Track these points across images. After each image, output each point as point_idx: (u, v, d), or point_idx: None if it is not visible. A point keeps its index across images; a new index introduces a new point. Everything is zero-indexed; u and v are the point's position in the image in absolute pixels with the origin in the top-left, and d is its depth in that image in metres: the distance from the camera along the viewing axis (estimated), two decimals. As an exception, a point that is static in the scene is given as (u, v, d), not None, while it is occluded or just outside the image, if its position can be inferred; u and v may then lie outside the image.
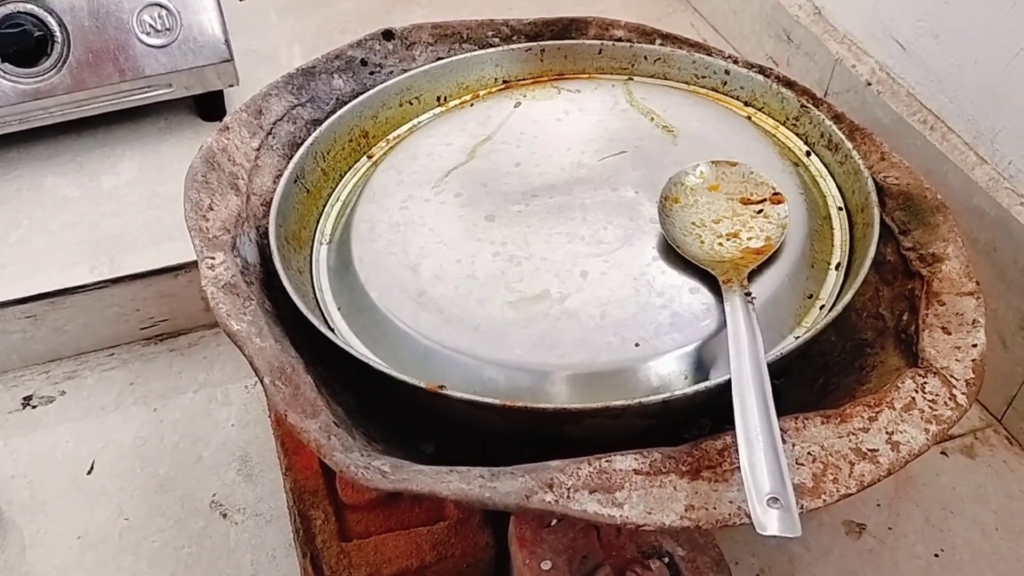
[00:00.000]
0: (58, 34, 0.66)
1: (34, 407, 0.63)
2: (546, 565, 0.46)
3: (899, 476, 0.60)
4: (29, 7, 0.65)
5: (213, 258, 0.44)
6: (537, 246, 0.47)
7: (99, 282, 0.63)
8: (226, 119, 0.53)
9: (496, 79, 0.60)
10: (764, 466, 0.35)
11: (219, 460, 0.60)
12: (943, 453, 0.62)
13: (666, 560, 0.46)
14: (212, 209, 0.47)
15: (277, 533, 0.56)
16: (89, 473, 0.59)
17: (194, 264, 0.65)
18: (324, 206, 0.53)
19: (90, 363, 0.66)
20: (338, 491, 0.51)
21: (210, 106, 0.76)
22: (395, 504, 0.51)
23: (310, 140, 0.53)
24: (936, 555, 0.56)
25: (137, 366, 0.66)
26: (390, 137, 0.57)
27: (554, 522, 0.47)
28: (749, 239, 0.46)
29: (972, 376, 0.42)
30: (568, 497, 0.36)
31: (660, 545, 0.47)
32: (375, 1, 0.91)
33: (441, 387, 0.39)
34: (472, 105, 0.58)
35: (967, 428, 0.64)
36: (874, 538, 0.57)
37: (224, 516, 0.57)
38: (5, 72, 0.66)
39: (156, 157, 0.73)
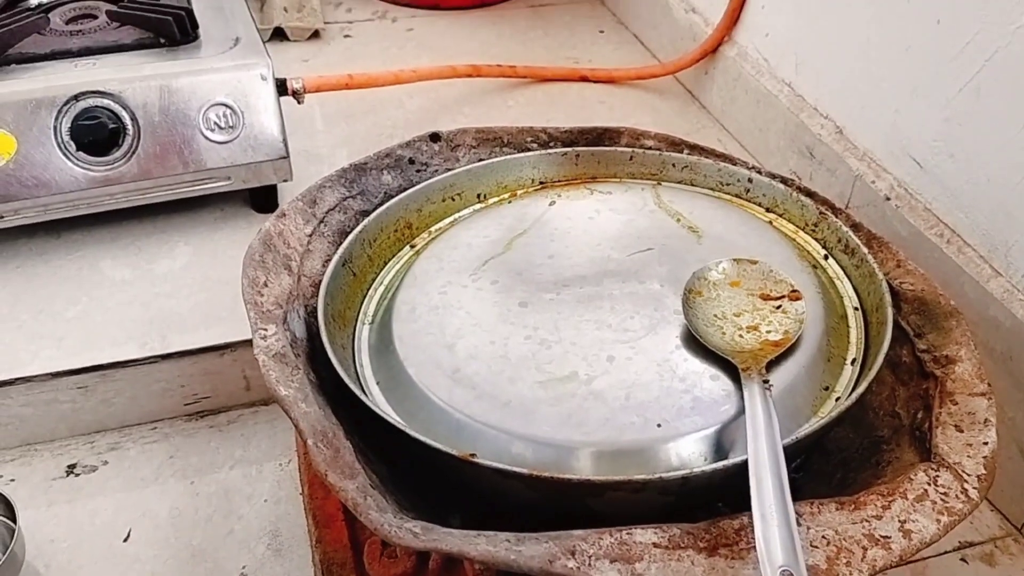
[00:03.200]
0: (130, 127, 0.72)
1: (77, 475, 0.66)
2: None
3: (920, 582, 0.61)
4: (106, 102, 0.71)
5: (266, 330, 0.47)
6: (567, 331, 0.50)
7: (149, 357, 0.67)
8: (283, 206, 0.57)
9: (533, 180, 0.64)
10: (778, 540, 0.36)
11: (250, 534, 0.62)
12: (963, 560, 0.63)
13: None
14: (267, 286, 0.50)
15: (302, 607, 0.57)
16: (125, 541, 0.61)
17: (239, 344, 0.69)
18: (368, 289, 0.57)
19: (133, 435, 0.69)
20: (365, 565, 0.53)
21: (264, 199, 0.81)
22: (420, 579, 0.52)
23: (359, 228, 0.57)
24: (958, 662, 0.56)
25: (178, 440, 0.69)
26: (432, 229, 0.61)
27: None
28: (768, 332, 0.48)
29: (983, 472, 0.44)
30: (589, 565, 0.38)
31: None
32: (421, 110, 0.97)
33: (472, 455, 0.41)
34: (510, 203, 0.62)
35: (987, 536, 0.64)
36: (895, 642, 0.57)
37: (252, 588, 0.59)
38: (79, 160, 0.71)
39: (211, 244, 0.78)
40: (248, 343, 0.69)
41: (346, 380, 0.46)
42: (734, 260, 0.52)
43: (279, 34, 1.08)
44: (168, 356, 0.68)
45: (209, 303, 0.72)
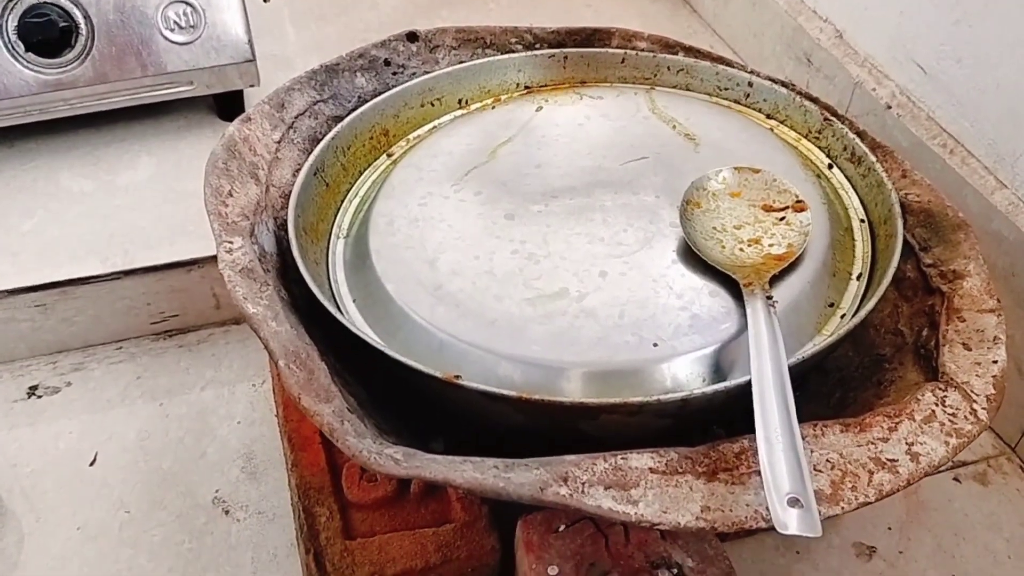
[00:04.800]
0: (83, 26, 0.67)
1: (39, 397, 0.63)
2: (553, 571, 0.45)
3: (911, 501, 0.59)
4: (56, -2, 0.65)
5: (231, 242, 0.44)
6: (556, 245, 0.46)
7: (111, 273, 0.63)
8: (249, 111, 0.53)
9: (518, 84, 0.60)
10: (784, 466, 0.34)
11: (223, 457, 0.59)
12: (956, 479, 0.61)
13: (675, 571, 0.45)
14: (232, 196, 0.47)
15: (279, 532, 0.55)
16: (91, 465, 0.59)
17: (207, 260, 0.65)
18: (342, 201, 0.53)
19: (98, 356, 0.66)
20: (344, 489, 0.51)
21: (229, 106, 0.76)
22: (400, 505, 0.50)
23: (331, 134, 0.53)
24: (948, 580, 0.55)
25: (145, 360, 0.65)
26: (410, 137, 0.57)
27: (561, 528, 0.46)
28: (771, 245, 0.45)
29: (993, 392, 0.42)
30: (583, 492, 0.35)
31: (669, 555, 0.46)
32: (397, 11, 0.92)
33: (457, 377, 0.38)
34: (493, 108, 0.58)
35: (980, 455, 0.63)
36: (884, 561, 0.56)
37: (226, 513, 0.56)
38: (29, 62, 0.66)
39: (174, 154, 0.73)
40: (215, 259, 0.66)
41: (319, 296, 0.43)
42: (735, 169, 0.48)
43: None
44: (132, 272, 0.64)
45: (174, 216, 0.68)
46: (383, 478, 0.51)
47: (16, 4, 0.65)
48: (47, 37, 0.65)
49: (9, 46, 0.65)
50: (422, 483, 0.50)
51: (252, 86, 0.73)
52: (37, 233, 0.66)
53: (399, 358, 0.39)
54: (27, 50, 0.66)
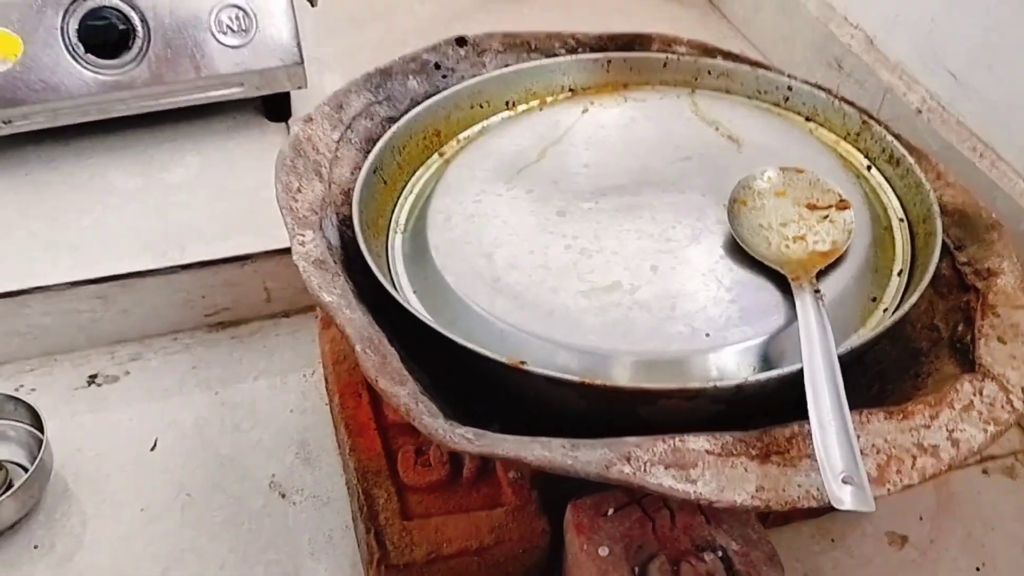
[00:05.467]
0: (140, 29, 0.69)
1: (99, 385, 0.65)
2: (603, 551, 0.47)
3: (941, 492, 0.61)
4: (115, 2, 0.68)
5: (303, 235, 0.46)
6: (607, 241, 0.49)
7: (169, 267, 0.66)
8: (310, 111, 0.55)
9: (563, 87, 0.62)
10: (837, 448, 0.36)
11: (278, 444, 0.62)
12: (984, 472, 0.63)
13: (720, 554, 0.47)
14: (300, 191, 0.49)
15: (334, 515, 0.58)
16: (152, 450, 0.61)
17: (259, 255, 0.68)
18: (399, 198, 0.55)
19: (154, 346, 0.68)
20: (399, 473, 0.53)
21: (276, 107, 0.78)
22: (453, 488, 0.52)
23: (388, 134, 0.55)
24: (977, 568, 0.57)
25: (200, 351, 0.68)
26: (460, 137, 0.60)
27: (610, 511, 0.48)
28: (815, 242, 0.47)
29: (1028, 382, 0.44)
30: (645, 471, 0.37)
31: (714, 539, 0.48)
32: (434, 17, 0.94)
33: (522, 363, 0.41)
34: (541, 110, 0.60)
35: (1008, 449, 0.65)
36: (916, 549, 0.58)
37: (283, 496, 0.59)
38: (88, 63, 0.69)
39: (223, 153, 0.76)
40: (268, 254, 0.68)
41: (387, 286, 0.45)
42: (780, 169, 0.51)
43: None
44: (187, 267, 0.66)
45: (225, 213, 0.71)
46: (436, 461, 0.53)
47: (77, 7, 0.67)
48: (106, 39, 0.68)
49: (70, 47, 0.68)
50: (474, 468, 0.53)
51: (300, 88, 0.76)
52: (96, 228, 0.69)
53: (469, 345, 0.41)
54: (87, 52, 0.68)
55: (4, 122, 0.68)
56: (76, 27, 0.67)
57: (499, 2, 0.97)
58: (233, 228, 0.69)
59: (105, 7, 0.68)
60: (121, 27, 0.68)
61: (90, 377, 0.66)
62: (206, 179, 0.74)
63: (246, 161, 0.76)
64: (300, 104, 0.80)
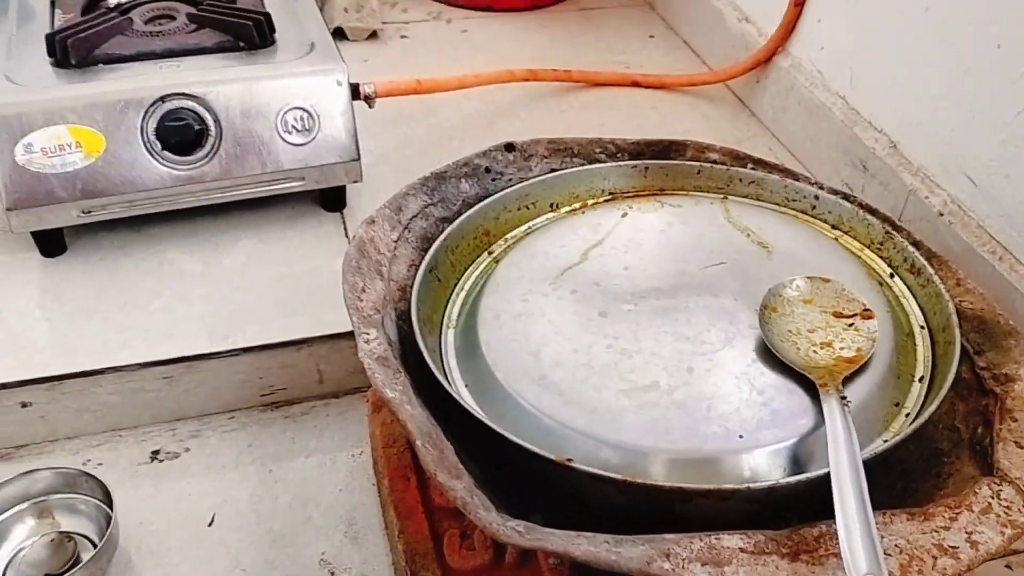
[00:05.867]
0: (213, 128, 0.75)
1: (161, 461, 0.69)
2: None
3: (966, 586, 0.63)
4: (191, 103, 0.74)
5: (368, 334, 0.50)
6: (646, 342, 0.52)
7: (232, 350, 0.70)
8: (372, 213, 0.60)
9: (603, 190, 0.67)
10: (861, 548, 0.39)
11: (328, 522, 0.65)
12: (1008, 567, 0.65)
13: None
14: (365, 291, 0.53)
15: (381, 593, 0.61)
16: (210, 525, 0.65)
17: (314, 339, 0.72)
18: (451, 294, 0.60)
19: (212, 424, 0.72)
20: (445, 556, 0.56)
21: (332, 198, 0.84)
22: (497, 572, 0.55)
23: (443, 236, 0.60)
24: (1003, 664, 0.58)
25: (255, 429, 0.72)
26: (508, 236, 0.64)
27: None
28: (841, 349, 0.51)
29: (1045, 487, 0.47)
30: (683, 567, 0.40)
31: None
32: (478, 113, 1.00)
33: (569, 460, 0.44)
34: (583, 213, 0.65)
35: (1032, 545, 0.67)
36: (943, 643, 0.59)
37: (332, 575, 0.62)
38: (164, 159, 0.74)
39: (283, 242, 0.81)
40: (323, 338, 0.73)
41: (445, 385, 0.49)
42: (808, 278, 0.54)
43: (339, 34, 1.10)
44: (249, 349, 0.71)
45: (284, 298, 0.76)
46: (480, 546, 0.56)
47: (156, 108, 0.73)
48: (182, 138, 0.74)
49: (148, 145, 0.74)
50: (517, 553, 0.56)
51: (355, 182, 0.81)
52: (164, 311, 0.73)
53: (520, 442, 0.45)
54: (163, 149, 0.74)
55: (84, 212, 0.74)
56: (155, 126, 0.73)
57: (540, 99, 1.03)
58: (290, 312, 0.74)
59: (182, 108, 0.74)
60: (196, 127, 0.74)
61: (152, 453, 0.70)
62: (265, 265, 0.79)
63: (303, 249, 0.81)
64: (354, 195, 0.85)
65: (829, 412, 0.46)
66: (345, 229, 0.83)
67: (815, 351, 0.51)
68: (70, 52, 0.74)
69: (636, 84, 1.05)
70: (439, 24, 1.18)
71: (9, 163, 0.71)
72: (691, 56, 1.14)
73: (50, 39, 0.76)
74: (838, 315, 0.53)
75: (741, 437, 0.47)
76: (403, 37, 1.14)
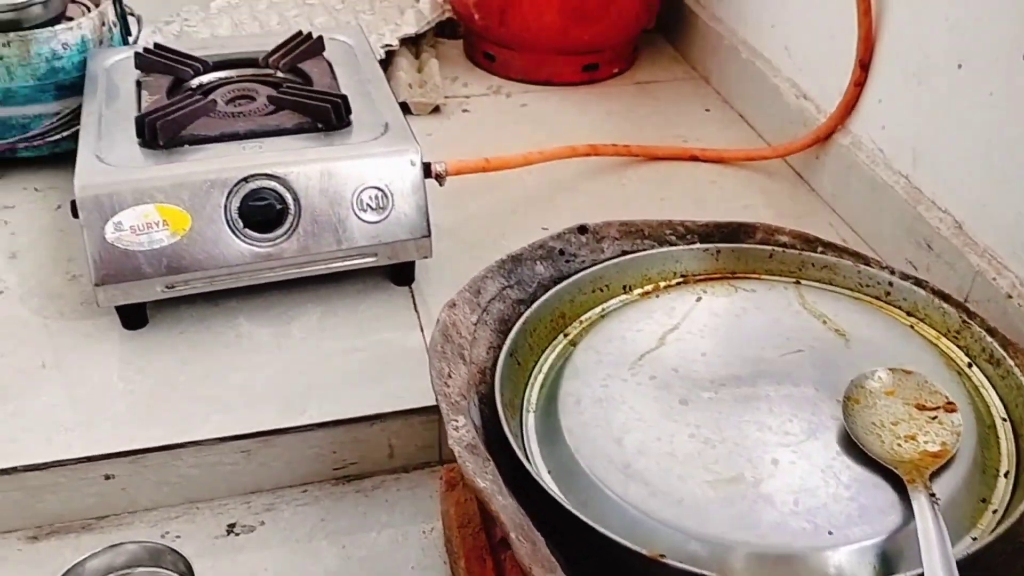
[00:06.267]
0: (292, 207, 0.78)
1: (237, 534, 0.71)
2: None
3: None
4: (273, 184, 0.77)
5: (457, 421, 0.51)
6: (729, 431, 0.53)
7: (308, 425, 0.72)
8: (453, 297, 0.61)
9: (675, 272, 0.68)
10: (963, 655, 0.39)
11: (401, 600, 0.66)
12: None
13: None
14: (451, 377, 0.55)
15: (456, 675, 0.61)
16: (286, 600, 0.66)
17: (387, 415, 0.74)
18: (529, 377, 0.61)
19: (286, 497, 0.74)
20: (524, 640, 0.56)
21: (402, 273, 0.86)
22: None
23: (523, 319, 0.61)
24: None
25: (328, 503, 0.73)
26: (582, 318, 0.65)
27: None
28: (926, 443, 0.51)
29: None
30: (779, 667, 0.41)
31: None
32: (540, 187, 1.02)
33: (662, 555, 0.45)
34: (657, 296, 0.66)
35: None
36: None
37: (407, 653, 0.62)
38: (245, 236, 0.77)
39: (355, 316, 0.83)
40: (395, 414, 0.74)
41: (534, 474, 0.50)
42: (890, 370, 0.55)
43: (403, 108, 1.13)
44: (323, 424, 0.72)
45: (355, 372, 0.77)
46: (559, 632, 0.56)
47: (240, 188, 0.76)
48: (264, 217, 0.77)
49: (231, 222, 0.77)
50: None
51: (425, 258, 0.83)
52: (242, 384, 0.75)
53: (614, 537, 0.45)
54: (245, 226, 0.77)
55: (168, 287, 0.76)
56: (238, 205, 0.76)
57: (600, 172, 1.05)
58: (361, 386, 0.75)
59: (264, 188, 0.76)
60: (278, 206, 0.76)
61: (229, 526, 0.71)
62: (337, 338, 0.81)
63: (373, 322, 0.83)
64: (422, 269, 0.87)
65: (920, 510, 0.46)
66: (414, 303, 0.85)
67: (900, 444, 0.51)
68: (159, 134, 0.78)
69: (695, 158, 1.07)
70: (499, 98, 1.21)
71: (99, 240, 0.74)
72: (747, 130, 1.16)
73: (139, 121, 0.79)
74: (921, 407, 0.53)
75: (830, 533, 0.47)
76: (464, 111, 1.18)
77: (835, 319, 0.61)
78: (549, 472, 0.54)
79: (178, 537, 0.70)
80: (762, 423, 0.53)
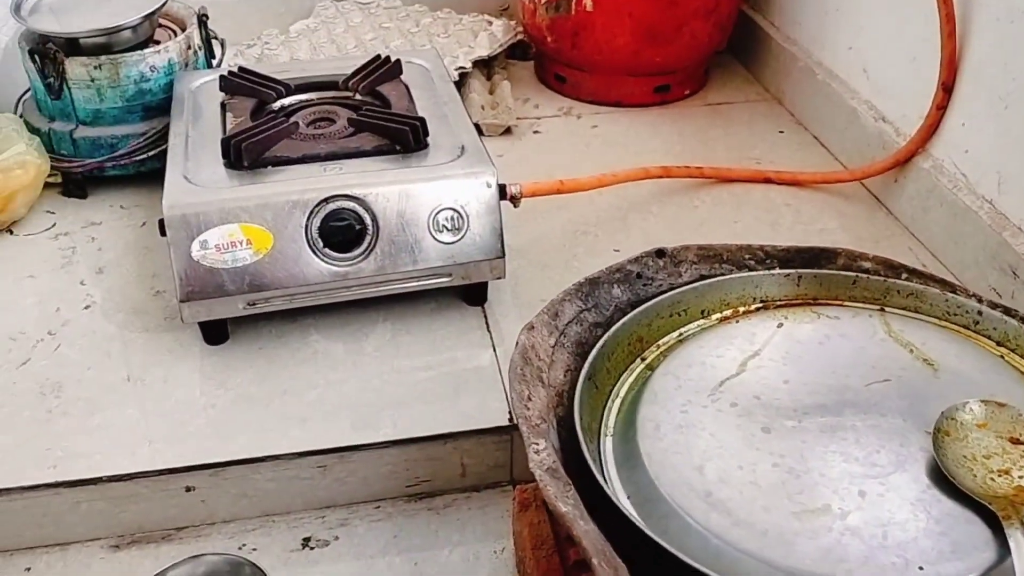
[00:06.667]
0: (371, 228, 0.79)
1: (312, 548, 0.72)
2: None
3: None
4: (352, 205, 0.78)
5: (538, 444, 0.51)
6: (814, 462, 0.52)
7: (383, 442, 0.73)
8: (532, 319, 0.61)
9: (755, 298, 0.67)
10: None
11: (474, 621, 0.66)
12: None
13: None
14: (531, 400, 0.55)
15: None
16: (360, 617, 0.66)
17: (459, 434, 0.74)
18: (607, 401, 0.61)
19: (360, 513, 0.74)
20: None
21: (475, 293, 0.86)
22: None
23: (600, 343, 0.61)
24: None
25: (400, 520, 0.74)
26: (660, 343, 0.65)
27: None
28: (1021, 477, 0.49)
29: None
30: None
31: None
32: (612, 207, 1.02)
33: (748, 587, 0.44)
34: (736, 322, 0.65)
35: None
36: None
37: (480, 675, 0.62)
38: (325, 256, 0.78)
39: (429, 335, 0.84)
40: (467, 433, 0.74)
41: (616, 502, 0.49)
42: (982, 401, 0.53)
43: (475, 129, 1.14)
44: (398, 442, 0.73)
45: (428, 390, 0.78)
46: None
47: (320, 209, 0.78)
48: (344, 237, 0.78)
49: (311, 243, 0.78)
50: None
51: (499, 278, 0.84)
52: (318, 400, 0.77)
53: (703, 569, 0.44)
54: (325, 246, 0.78)
55: (249, 304, 0.78)
56: (318, 226, 0.78)
57: (672, 194, 1.04)
58: (435, 404, 0.76)
59: (344, 209, 0.78)
60: (357, 227, 0.78)
61: (304, 540, 0.72)
62: (411, 356, 0.81)
63: (447, 341, 0.83)
64: (494, 289, 0.88)
65: (1016, 547, 0.44)
66: (487, 323, 0.86)
67: (993, 479, 0.49)
68: (243, 155, 0.80)
69: (769, 181, 1.06)
70: (570, 119, 1.22)
71: (185, 258, 0.76)
72: (822, 152, 1.14)
73: (225, 143, 0.82)
74: (1015, 441, 0.51)
75: (921, 569, 0.46)
76: (535, 132, 1.18)
77: (922, 348, 0.60)
78: (628, 498, 0.54)
79: (255, 550, 0.71)
80: (848, 454, 0.52)
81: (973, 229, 0.88)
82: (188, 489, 0.72)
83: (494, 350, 0.82)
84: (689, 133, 1.18)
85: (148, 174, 1.01)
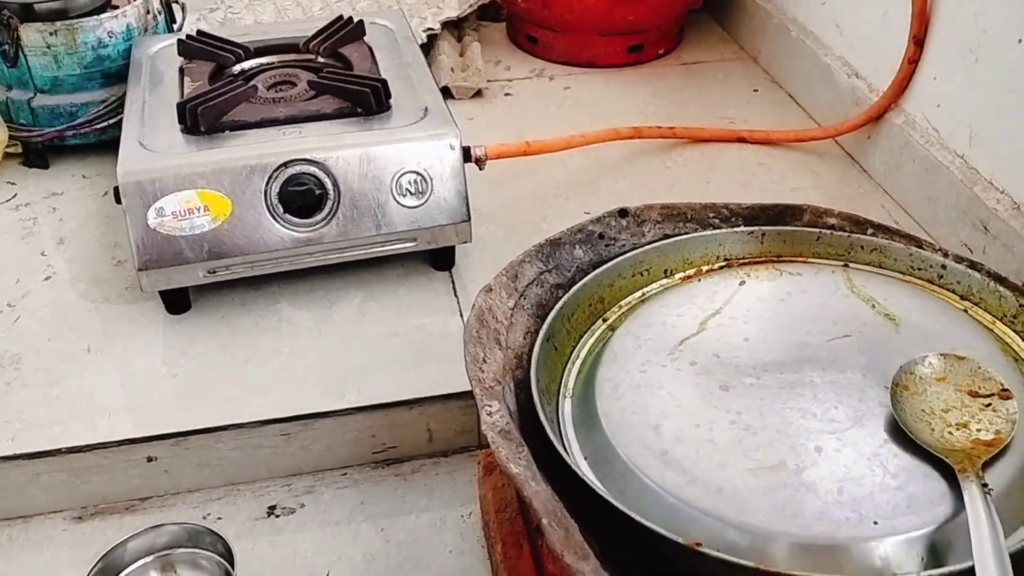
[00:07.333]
0: (332, 192, 0.77)
1: (277, 516, 0.71)
2: None
3: None
4: (312, 169, 0.77)
5: (491, 406, 0.51)
6: (771, 418, 0.51)
7: (347, 409, 0.72)
8: (490, 281, 0.60)
9: (719, 256, 0.66)
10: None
11: (439, 585, 0.66)
12: None
13: None
14: (486, 362, 0.54)
15: (492, 661, 0.60)
16: (324, 583, 0.66)
17: (425, 399, 0.73)
18: (567, 363, 0.60)
19: (326, 480, 0.74)
20: (561, 628, 0.56)
21: (442, 258, 0.85)
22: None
23: (559, 304, 0.60)
24: None
25: (367, 487, 0.73)
26: (622, 303, 0.64)
27: None
28: (978, 431, 0.49)
29: None
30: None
31: None
32: (582, 170, 1.01)
33: (698, 544, 0.44)
34: (699, 280, 0.64)
35: None
36: None
37: (443, 639, 0.62)
38: (285, 222, 0.77)
39: (395, 300, 0.83)
40: (433, 399, 0.74)
41: (569, 462, 0.49)
42: (941, 355, 0.53)
43: (445, 93, 1.13)
44: (363, 408, 0.72)
45: (394, 356, 0.77)
46: (596, 620, 0.55)
47: (279, 173, 0.76)
48: (304, 202, 0.77)
49: (271, 207, 0.77)
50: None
51: (465, 242, 0.83)
52: (282, 368, 0.76)
53: (650, 525, 0.44)
54: (285, 211, 0.77)
55: (210, 272, 0.77)
56: (278, 191, 0.76)
57: (644, 155, 1.03)
58: (401, 370, 0.75)
59: (304, 173, 0.76)
60: (317, 191, 0.76)
61: (269, 508, 0.72)
62: (377, 323, 0.80)
63: (413, 307, 0.82)
64: (462, 254, 0.87)
65: (971, 500, 0.44)
66: (454, 288, 0.85)
67: (951, 433, 0.49)
68: (200, 120, 0.78)
69: (742, 140, 1.04)
70: (542, 81, 1.20)
71: (142, 226, 0.75)
72: (797, 111, 1.13)
73: (181, 108, 0.80)
74: (974, 394, 0.51)
75: (876, 523, 0.45)
76: (507, 95, 1.17)
77: (885, 303, 0.59)
78: (585, 459, 0.53)
79: (219, 519, 0.71)
80: (806, 410, 0.52)
81: (945, 185, 0.87)
82: (150, 459, 0.71)
83: (461, 315, 0.81)
84: (663, 93, 1.17)
85: (110, 143, 0.99)
